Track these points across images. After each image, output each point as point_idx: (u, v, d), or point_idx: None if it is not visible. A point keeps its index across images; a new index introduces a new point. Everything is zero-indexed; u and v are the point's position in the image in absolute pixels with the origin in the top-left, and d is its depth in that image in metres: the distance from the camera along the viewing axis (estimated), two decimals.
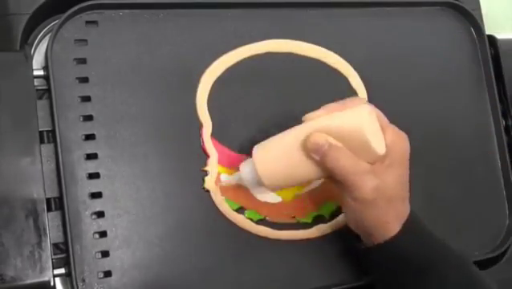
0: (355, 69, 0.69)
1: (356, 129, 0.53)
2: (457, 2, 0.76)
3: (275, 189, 0.61)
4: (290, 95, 0.66)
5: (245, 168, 0.59)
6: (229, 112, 0.64)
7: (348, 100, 0.56)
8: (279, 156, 0.57)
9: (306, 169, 0.56)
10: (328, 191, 0.65)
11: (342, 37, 0.70)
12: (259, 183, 0.58)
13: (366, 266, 0.61)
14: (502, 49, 0.77)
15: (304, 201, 0.65)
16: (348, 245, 0.65)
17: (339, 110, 0.55)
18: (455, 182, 0.71)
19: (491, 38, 0.77)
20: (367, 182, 0.54)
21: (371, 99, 0.69)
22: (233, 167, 0.62)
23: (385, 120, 0.57)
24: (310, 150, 0.55)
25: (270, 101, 0.66)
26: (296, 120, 0.58)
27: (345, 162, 0.54)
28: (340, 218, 0.65)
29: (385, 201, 0.55)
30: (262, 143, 0.58)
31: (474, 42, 0.77)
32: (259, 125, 0.64)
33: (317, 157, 0.55)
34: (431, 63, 0.74)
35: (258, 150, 0.58)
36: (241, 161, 0.60)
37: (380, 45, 0.72)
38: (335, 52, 0.69)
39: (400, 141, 0.57)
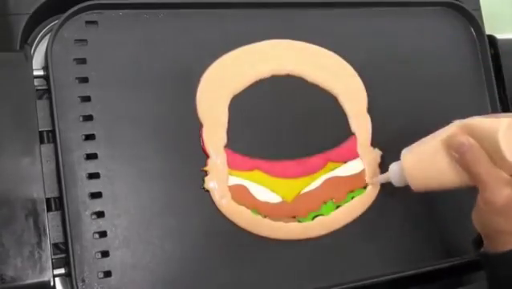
0: (355, 69, 0.69)
1: (492, 133, 0.55)
2: (457, 2, 0.76)
3: (420, 189, 0.62)
4: (292, 95, 0.66)
5: (394, 169, 0.63)
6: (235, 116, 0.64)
7: (501, 114, 0.59)
8: (424, 157, 0.60)
9: (449, 172, 0.58)
10: (328, 191, 0.65)
11: (342, 37, 0.70)
12: (404, 183, 0.62)
13: (485, 271, 0.62)
14: (502, 49, 0.77)
15: (304, 201, 0.65)
16: (348, 245, 0.65)
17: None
18: None
19: (491, 38, 0.77)
20: (501, 188, 0.55)
21: (371, 99, 0.69)
22: (242, 169, 0.62)
23: None
24: (451, 147, 0.57)
25: (273, 102, 0.66)
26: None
27: (482, 164, 0.55)
28: (340, 216, 0.65)
29: None
30: (411, 145, 0.61)
31: (474, 42, 0.77)
32: (265, 127, 0.65)
33: (456, 155, 0.57)
34: (431, 63, 0.74)
35: (406, 152, 0.61)
36: (250, 163, 0.62)
37: (380, 45, 0.72)
38: (335, 52, 0.69)
39: None
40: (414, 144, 0.61)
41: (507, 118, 0.56)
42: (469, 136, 0.56)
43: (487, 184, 0.56)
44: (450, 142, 0.57)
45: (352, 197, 0.66)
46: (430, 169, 0.60)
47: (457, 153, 0.57)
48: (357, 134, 0.68)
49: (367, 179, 0.67)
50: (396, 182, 0.63)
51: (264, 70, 0.66)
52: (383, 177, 0.65)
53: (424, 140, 0.61)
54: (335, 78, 0.68)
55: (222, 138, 0.63)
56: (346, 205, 0.66)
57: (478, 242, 0.62)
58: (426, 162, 0.60)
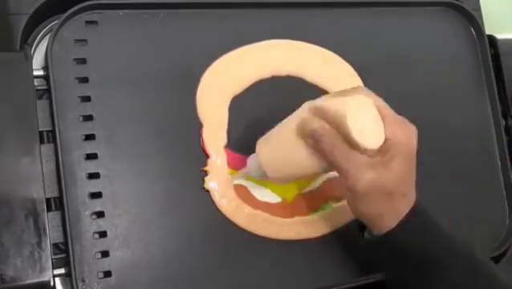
0: (355, 69, 0.69)
1: (340, 114, 0.52)
2: (457, 2, 0.76)
3: (280, 181, 0.60)
4: (291, 95, 0.66)
5: (252, 162, 0.60)
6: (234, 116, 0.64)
7: (351, 89, 0.55)
8: (279, 146, 0.57)
9: (307, 159, 0.55)
10: (328, 191, 0.65)
11: (342, 37, 0.70)
12: (264, 175, 0.58)
13: (371, 257, 0.60)
14: (502, 49, 0.77)
15: (304, 201, 0.65)
16: (348, 245, 0.65)
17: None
18: (455, 182, 0.71)
19: (491, 38, 0.77)
20: (361, 174, 0.52)
21: None
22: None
23: (389, 111, 0.55)
24: (305, 133, 0.54)
25: (273, 102, 0.66)
26: None
27: (339, 150, 0.52)
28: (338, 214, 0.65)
29: (381, 195, 0.53)
30: (265, 135, 0.58)
31: (474, 42, 0.77)
32: (265, 127, 0.64)
33: (311, 142, 0.53)
34: (431, 63, 0.74)
35: (260, 142, 0.58)
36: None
37: (380, 45, 0.72)
38: (335, 52, 0.69)
39: (405, 135, 0.54)
40: (269, 133, 0.58)
41: (354, 99, 0.52)
42: (322, 120, 0.53)
43: (347, 170, 0.52)
44: (303, 129, 0.54)
45: None
46: (287, 159, 0.56)
47: (311, 140, 0.53)
48: None
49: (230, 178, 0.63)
50: (256, 175, 0.60)
51: (264, 70, 0.66)
52: (241, 172, 0.62)
53: (278, 127, 0.57)
54: (334, 78, 0.69)
55: (222, 138, 0.63)
56: (346, 205, 0.66)
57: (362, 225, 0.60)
58: (282, 152, 0.56)
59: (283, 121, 0.57)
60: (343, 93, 0.54)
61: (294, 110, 0.61)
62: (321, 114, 0.53)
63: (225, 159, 0.62)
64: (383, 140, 0.53)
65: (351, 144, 0.52)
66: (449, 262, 0.54)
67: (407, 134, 0.54)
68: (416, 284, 0.55)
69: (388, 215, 0.54)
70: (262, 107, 0.65)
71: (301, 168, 0.56)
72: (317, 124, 0.53)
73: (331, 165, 0.54)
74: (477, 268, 0.56)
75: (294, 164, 0.56)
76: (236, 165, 0.62)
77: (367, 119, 0.52)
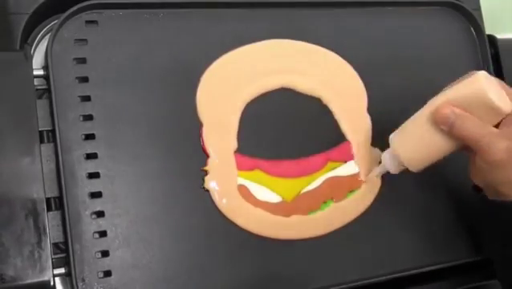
0: (354, 69, 0.69)
1: (477, 91, 0.56)
2: (457, 2, 0.76)
3: (418, 168, 0.62)
4: (291, 95, 0.66)
5: (387, 157, 0.63)
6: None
7: (465, 76, 0.59)
8: (415, 138, 0.61)
9: (441, 143, 0.59)
10: (328, 191, 0.65)
11: (342, 37, 0.70)
12: (402, 167, 0.63)
13: (485, 220, 0.64)
14: (502, 49, 0.77)
15: (304, 201, 0.64)
16: (348, 244, 0.65)
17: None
18: (454, 182, 0.71)
19: (491, 38, 0.77)
20: (497, 144, 0.56)
21: (371, 99, 0.69)
22: (242, 169, 0.63)
23: (505, 85, 0.59)
24: (438, 123, 0.58)
25: (273, 102, 0.66)
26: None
27: (473, 128, 0.57)
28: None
29: None
30: (397, 130, 0.62)
31: (474, 42, 0.77)
32: (265, 127, 0.65)
33: (446, 128, 0.58)
34: (431, 63, 0.74)
35: (394, 137, 0.62)
36: (250, 163, 0.62)
37: (380, 45, 0.72)
38: (335, 52, 0.69)
39: None
40: (399, 129, 0.62)
41: (480, 74, 0.57)
42: (451, 106, 0.57)
43: (483, 144, 0.57)
44: (436, 118, 0.58)
45: None
46: (423, 147, 0.61)
47: (445, 126, 0.58)
48: (356, 134, 0.68)
49: (363, 177, 0.67)
50: (393, 170, 0.63)
51: (264, 70, 0.66)
52: (378, 169, 0.65)
53: (408, 122, 0.62)
54: (334, 78, 0.69)
55: (232, 142, 0.63)
56: (346, 204, 0.66)
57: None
58: (418, 141, 0.61)
59: (413, 116, 0.61)
60: (461, 79, 0.59)
61: (294, 109, 0.62)
62: (451, 100, 0.58)
63: (235, 163, 0.63)
64: (511, 105, 0.57)
65: (487, 113, 0.57)
66: None
67: None
68: None
69: None
70: (262, 106, 0.65)
71: (438, 152, 0.60)
72: (447, 109, 0.57)
73: (467, 143, 0.58)
74: None
75: (431, 150, 0.60)
76: (244, 168, 0.63)
77: (495, 90, 0.57)
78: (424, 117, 0.60)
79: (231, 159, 0.63)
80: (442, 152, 0.60)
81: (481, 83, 0.56)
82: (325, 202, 0.65)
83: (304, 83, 0.67)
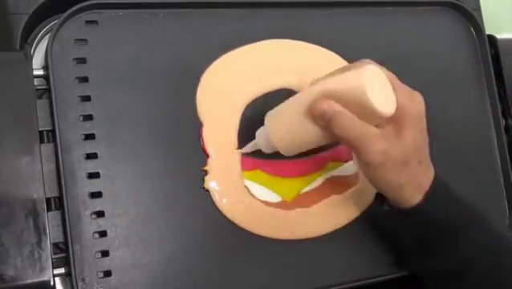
0: None
1: (356, 89, 0.52)
2: (457, 2, 0.76)
3: (289, 152, 0.61)
4: (291, 95, 0.66)
5: (260, 135, 0.61)
6: None
7: (355, 63, 0.56)
8: (288, 121, 0.58)
9: (314, 133, 0.56)
10: (328, 191, 0.65)
11: (342, 37, 0.70)
12: (273, 148, 0.60)
13: (390, 228, 0.62)
14: (502, 49, 0.77)
15: (304, 201, 0.64)
16: (348, 245, 0.65)
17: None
18: (454, 182, 0.71)
19: (491, 38, 0.77)
20: (374, 146, 0.54)
21: None
22: (242, 169, 0.63)
23: (397, 81, 0.56)
24: (315, 117, 0.55)
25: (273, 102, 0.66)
26: None
27: (350, 127, 0.53)
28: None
29: (397, 164, 0.55)
30: (274, 109, 0.60)
31: (474, 42, 0.77)
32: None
33: (322, 124, 0.55)
34: (431, 63, 0.74)
35: (269, 116, 0.60)
36: (250, 163, 0.62)
37: (380, 45, 0.72)
38: (335, 52, 0.69)
39: (413, 103, 0.56)
40: (278, 109, 0.59)
41: (365, 66, 0.53)
42: (330, 100, 0.54)
43: (359, 145, 0.54)
44: (312, 111, 0.55)
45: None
46: (296, 135, 0.58)
47: (322, 122, 0.54)
48: None
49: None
50: (264, 148, 0.61)
51: (264, 70, 0.66)
52: (251, 146, 0.63)
53: (285, 106, 0.59)
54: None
55: (233, 141, 0.63)
56: (346, 204, 0.66)
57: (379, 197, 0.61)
58: (291, 128, 0.58)
59: (292, 99, 0.58)
60: (349, 67, 0.56)
61: None
62: (330, 93, 0.54)
63: (239, 161, 0.63)
64: (395, 106, 0.54)
65: (365, 115, 0.53)
66: (474, 232, 0.57)
67: (415, 102, 0.56)
68: (441, 254, 0.58)
69: (409, 184, 0.56)
70: (262, 106, 0.65)
71: (310, 142, 0.59)
72: (326, 105, 0.54)
73: (342, 142, 0.56)
74: (502, 237, 0.59)
75: (304, 139, 0.58)
76: (244, 168, 0.63)
77: (380, 87, 0.53)
78: (300, 105, 0.56)
79: (236, 159, 0.63)
80: (315, 143, 0.59)
81: (362, 81, 0.52)
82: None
83: (302, 86, 0.67)
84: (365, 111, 0.53)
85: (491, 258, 0.57)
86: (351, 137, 0.54)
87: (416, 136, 0.56)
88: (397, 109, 0.54)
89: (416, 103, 0.56)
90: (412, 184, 0.56)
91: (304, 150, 0.61)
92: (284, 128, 0.59)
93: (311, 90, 0.56)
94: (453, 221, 0.58)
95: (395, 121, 0.54)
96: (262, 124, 0.61)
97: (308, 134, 0.57)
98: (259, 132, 0.61)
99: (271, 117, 0.60)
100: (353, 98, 0.53)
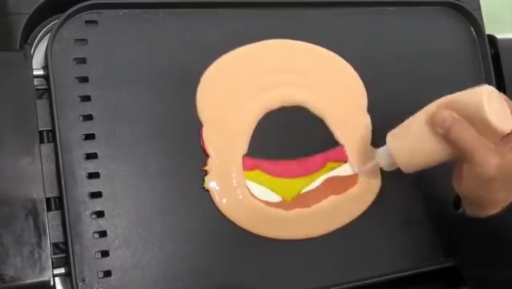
0: (354, 68, 0.69)
1: (476, 104, 0.55)
2: (457, 2, 0.76)
3: (410, 169, 0.62)
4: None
5: (382, 154, 0.63)
6: None
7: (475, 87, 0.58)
8: (410, 138, 0.61)
9: (436, 148, 0.58)
10: (328, 191, 0.65)
11: (342, 37, 0.70)
12: (394, 165, 0.62)
13: (461, 235, 0.63)
14: (502, 49, 0.77)
15: (304, 201, 0.65)
16: (348, 245, 0.65)
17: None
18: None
19: (491, 38, 0.77)
20: (490, 159, 0.56)
21: (371, 99, 0.69)
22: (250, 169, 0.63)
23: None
24: (435, 125, 0.58)
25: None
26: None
27: (469, 136, 0.56)
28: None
29: (503, 180, 0.57)
30: (396, 128, 0.62)
31: (474, 42, 0.77)
32: (265, 126, 0.65)
33: (441, 131, 0.57)
34: (431, 63, 0.74)
35: (391, 135, 0.62)
36: (250, 163, 0.63)
37: (380, 45, 0.72)
38: (335, 52, 0.69)
39: None
40: (398, 127, 0.62)
41: (485, 88, 0.57)
42: (451, 111, 0.57)
43: (475, 155, 0.56)
44: (433, 119, 0.58)
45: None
46: (417, 149, 0.60)
47: (442, 129, 0.57)
48: (357, 134, 0.68)
49: (358, 170, 0.67)
50: (385, 166, 0.64)
51: (264, 70, 0.66)
52: (371, 165, 0.65)
53: (406, 122, 0.61)
54: (334, 78, 0.68)
55: (242, 147, 0.63)
56: (346, 204, 0.66)
57: (457, 203, 0.63)
58: (413, 142, 0.60)
59: (413, 116, 0.61)
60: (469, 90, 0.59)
61: (294, 109, 0.61)
62: (452, 105, 0.57)
63: (239, 161, 0.63)
64: (511, 126, 0.57)
65: (482, 130, 0.56)
66: None
67: None
68: (499, 265, 0.60)
69: (501, 201, 0.58)
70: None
71: (431, 156, 0.60)
72: (447, 113, 0.57)
73: (460, 151, 0.57)
74: None
75: (424, 153, 0.60)
76: (245, 168, 0.63)
77: (496, 106, 0.56)
78: (422, 118, 0.59)
79: (236, 159, 0.63)
80: (435, 158, 0.60)
81: (482, 97, 0.55)
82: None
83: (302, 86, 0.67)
84: (482, 127, 0.56)
85: None
86: (468, 147, 0.56)
87: None
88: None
89: None
90: (501, 201, 0.58)
91: (425, 167, 0.62)
92: (405, 144, 0.61)
93: (432, 104, 0.59)
94: None
95: (507, 141, 0.57)
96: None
97: (429, 147, 0.59)
98: (380, 151, 0.64)
99: (393, 135, 0.62)
100: (472, 112, 0.56)
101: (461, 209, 0.63)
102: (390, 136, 0.62)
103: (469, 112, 0.56)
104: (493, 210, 0.58)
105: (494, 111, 0.55)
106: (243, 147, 0.63)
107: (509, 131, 0.56)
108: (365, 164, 0.66)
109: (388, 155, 0.63)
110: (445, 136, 0.57)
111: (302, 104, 0.66)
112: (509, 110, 0.57)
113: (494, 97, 0.57)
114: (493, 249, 0.60)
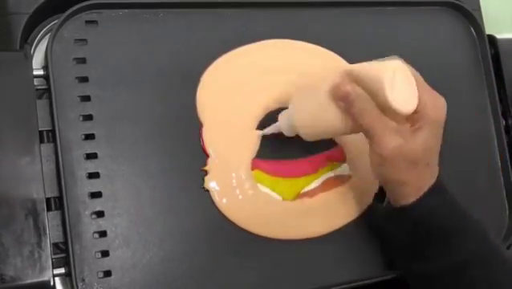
0: None
1: (377, 81, 0.53)
2: (457, 2, 0.76)
3: (310, 137, 0.60)
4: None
5: (283, 118, 0.61)
6: None
7: (386, 58, 0.56)
8: (312, 102, 0.58)
9: (337, 120, 0.56)
10: (328, 190, 0.65)
11: (342, 37, 0.70)
12: (295, 131, 0.60)
13: (385, 226, 0.62)
14: (502, 49, 0.77)
15: (304, 201, 0.65)
16: (348, 244, 0.65)
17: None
18: (455, 182, 0.71)
19: (491, 38, 0.77)
20: (389, 140, 0.54)
21: None
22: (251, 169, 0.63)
23: (423, 83, 0.56)
24: (337, 97, 0.55)
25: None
26: None
27: (370, 114, 0.54)
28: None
29: (406, 162, 0.55)
30: (299, 89, 0.60)
31: (474, 42, 0.77)
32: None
33: (344, 105, 0.55)
34: (431, 63, 0.73)
35: (293, 98, 0.60)
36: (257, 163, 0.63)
37: (380, 45, 0.71)
38: (335, 52, 0.69)
39: (435, 106, 0.56)
40: (300, 91, 0.60)
41: (394, 62, 0.54)
42: (355, 85, 0.54)
43: (374, 134, 0.54)
44: (335, 92, 0.55)
45: None
46: (318, 118, 0.58)
47: (344, 103, 0.55)
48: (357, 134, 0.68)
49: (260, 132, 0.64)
50: (286, 130, 0.61)
51: (264, 70, 0.66)
52: (272, 128, 0.63)
53: (311, 87, 0.59)
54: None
55: (223, 138, 0.63)
56: (345, 204, 0.66)
57: (381, 195, 0.62)
58: (315, 111, 0.58)
59: (317, 81, 0.58)
60: (380, 62, 0.56)
61: None
62: (355, 78, 0.55)
63: (239, 161, 0.63)
64: (415, 106, 0.54)
65: (384, 108, 0.53)
66: (466, 240, 0.57)
67: (438, 106, 0.57)
68: (430, 258, 0.58)
69: (411, 183, 0.56)
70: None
71: (331, 127, 0.58)
72: (350, 87, 0.54)
73: (360, 128, 0.55)
74: (493, 248, 0.59)
75: (325, 123, 0.58)
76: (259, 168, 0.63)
77: (402, 85, 0.54)
78: (325, 86, 0.56)
79: (236, 159, 0.63)
80: (336, 129, 0.57)
81: (385, 76, 0.53)
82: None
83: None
84: (384, 106, 0.53)
85: (481, 268, 0.57)
86: (368, 124, 0.54)
87: (430, 139, 0.56)
88: (417, 110, 0.54)
89: (438, 108, 0.57)
90: (414, 184, 0.57)
91: (324, 137, 0.60)
92: (307, 109, 0.59)
93: (338, 72, 0.56)
94: (446, 226, 0.58)
95: (413, 120, 0.55)
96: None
97: (329, 117, 0.56)
98: (282, 114, 0.61)
99: (296, 98, 0.60)
100: (375, 89, 0.53)
101: (385, 202, 0.61)
102: (293, 100, 0.60)
103: (372, 88, 0.53)
104: (414, 197, 0.57)
105: (398, 90, 0.53)
106: (251, 149, 0.64)
107: (411, 112, 0.54)
108: (267, 128, 0.64)
109: (289, 118, 0.60)
110: (346, 110, 0.55)
111: None
112: (415, 88, 0.54)
113: (401, 74, 0.54)
114: (425, 239, 0.58)
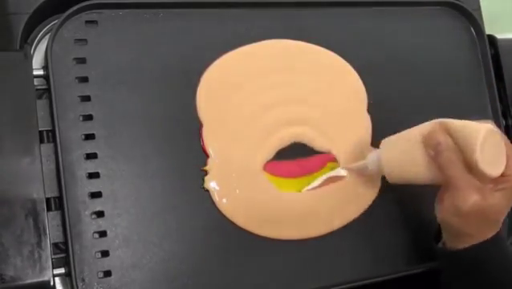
0: (355, 68, 0.69)
1: (471, 143, 0.55)
2: (457, 2, 0.76)
3: (394, 181, 0.62)
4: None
5: (373, 158, 0.63)
6: None
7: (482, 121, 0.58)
8: (401, 151, 0.60)
9: (424, 168, 0.58)
10: (328, 190, 0.65)
11: (342, 37, 0.70)
12: (380, 172, 0.63)
13: (442, 264, 0.63)
14: (502, 49, 0.77)
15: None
16: (348, 245, 0.65)
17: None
18: None
19: (491, 38, 0.77)
20: (469, 196, 0.56)
21: (371, 99, 0.69)
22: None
23: (511, 146, 0.58)
24: (428, 145, 0.57)
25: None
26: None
27: (455, 167, 0.56)
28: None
29: (479, 219, 0.57)
30: (391, 137, 0.62)
31: (474, 42, 0.77)
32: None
33: (432, 152, 0.57)
34: (431, 63, 0.74)
35: (385, 142, 0.62)
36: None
37: (380, 45, 0.72)
38: (335, 52, 0.69)
39: None
40: (394, 136, 0.62)
41: (487, 126, 0.56)
42: (448, 136, 0.57)
43: (457, 187, 0.56)
44: (428, 139, 0.58)
45: None
46: (406, 163, 0.60)
47: (434, 152, 0.57)
48: (357, 134, 0.68)
49: (342, 164, 0.66)
50: (372, 171, 0.63)
51: (264, 70, 0.66)
52: (359, 164, 0.65)
53: (404, 132, 0.61)
54: (333, 78, 0.68)
55: (223, 138, 0.63)
56: (345, 204, 0.66)
57: (438, 233, 0.63)
58: (403, 155, 0.60)
59: (411, 128, 0.60)
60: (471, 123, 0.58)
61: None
62: (449, 131, 0.57)
63: (239, 161, 0.63)
64: (501, 171, 0.56)
65: (471, 166, 0.56)
66: None
67: None
68: None
69: (476, 236, 0.58)
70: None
71: (416, 175, 0.60)
72: (443, 138, 0.57)
73: (444, 177, 0.57)
74: None
75: (411, 169, 0.60)
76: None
77: (492, 148, 0.56)
78: (418, 133, 0.59)
79: (236, 159, 0.63)
80: (421, 177, 0.59)
81: (478, 140, 0.55)
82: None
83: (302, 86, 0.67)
84: (470, 163, 0.55)
85: None
86: (453, 176, 0.56)
87: (507, 201, 0.58)
88: (504, 174, 0.56)
89: None
90: (479, 237, 0.58)
91: (409, 183, 0.61)
92: (396, 154, 0.61)
93: (432, 122, 0.59)
94: (499, 277, 0.59)
95: (496, 182, 0.57)
96: None
97: (417, 164, 0.58)
98: (372, 154, 0.63)
99: (386, 143, 0.62)
100: (466, 147, 0.55)
101: (440, 243, 0.62)
102: (384, 143, 0.62)
103: (464, 145, 0.56)
104: (467, 244, 0.58)
105: (488, 154, 0.55)
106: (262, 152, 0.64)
107: (497, 176, 0.56)
108: (355, 162, 0.66)
109: (377, 160, 0.62)
110: (435, 159, 0.57)
111: (301, 104, 0.66)
112: (504, 153, 0.57)
113: (492, 138, 0.56)
114: (474, 283, 0.59)
